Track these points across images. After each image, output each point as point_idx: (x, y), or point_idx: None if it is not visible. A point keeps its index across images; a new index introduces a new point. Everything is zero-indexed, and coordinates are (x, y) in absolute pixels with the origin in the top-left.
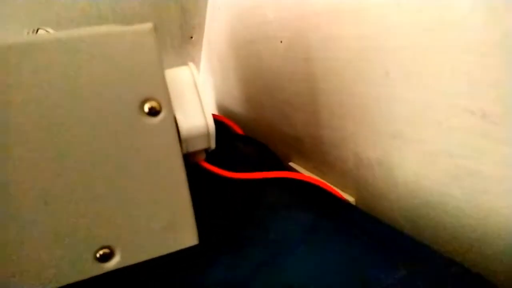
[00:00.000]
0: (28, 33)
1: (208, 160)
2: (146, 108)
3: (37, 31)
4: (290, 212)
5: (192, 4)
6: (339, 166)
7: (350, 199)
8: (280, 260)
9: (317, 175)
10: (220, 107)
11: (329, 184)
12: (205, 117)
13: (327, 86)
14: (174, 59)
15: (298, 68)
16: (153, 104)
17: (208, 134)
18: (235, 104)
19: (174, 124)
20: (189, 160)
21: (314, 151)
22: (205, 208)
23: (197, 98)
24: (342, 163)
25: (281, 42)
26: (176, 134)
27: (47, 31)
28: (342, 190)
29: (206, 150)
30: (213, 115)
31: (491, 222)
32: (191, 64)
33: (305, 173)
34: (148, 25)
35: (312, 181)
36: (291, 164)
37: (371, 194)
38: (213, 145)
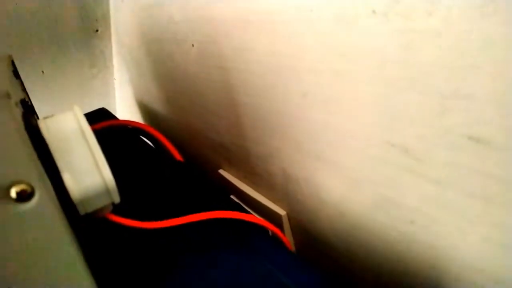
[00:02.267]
0: None
1: (129, 204)
2: (13, 193)
3: None
4: (212, 258)
5: None
6: (268, 179)
7: (282, 212)
8: None
9: (248, 185)
10: (140, 105)
11: (256, 216)
12: (100, 172)
13: (247, 100)
14: (80, 56)
15: (214, 76)
16: (22, 187)
17: (107, 191)
18: (155, 104)
19: (54, 204)
20: (94, 215)
21: (243, 161)
22: (116, 266)
23: (87, 150)
24: (270, 176)
25: (192, 45)
26: (59, 215)
27: None
28: (274, 203)
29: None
30: (141, 124)
31: (416, 253)
32: (76, 108)
33: (235, 182)
34: None
35: (238, 217)
36: (221, 171)
37: (301, 210)
38: (116, 199)
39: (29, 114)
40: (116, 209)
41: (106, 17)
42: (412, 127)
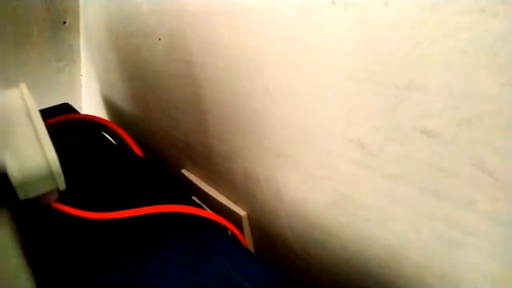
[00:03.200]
0: None
1: (83, 191)
2: None
3: None
4: (162, 251)
5: None
6: (230, 178)
7: (242, 213)
8: None
9: (210, 185)
10: (106, 102)
11: (211, 212)
12: (44, 153)
13: (211, 95)
14: (46, 48)
15: (181, 70)
16: None
17: (51, 174)
18: (121, 100)
19: None
20: (37, 202)
21: (206, 160)
22: (58, 256)
23: (31, 129)
24: (232, 176)
25: (159, 39)
26: None
27: None
28: (235, 203)
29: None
30: (104, 120)
31: (372, 250)
32: (22, 85)
33: (198, 182)
34: None
35: (192, 212)
36: (183, 171)
37: (261, 210)
38: (61, 185)
39: None
40: (66, 199)
41: (75, 9)
42: (368, 120)
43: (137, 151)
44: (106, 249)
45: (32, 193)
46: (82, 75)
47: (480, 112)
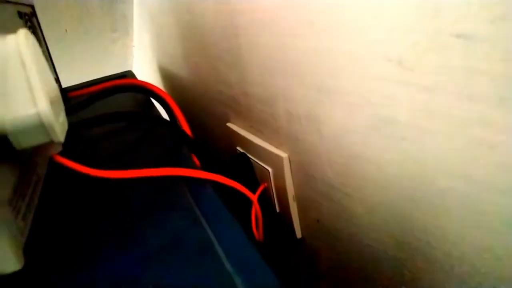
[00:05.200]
0: None
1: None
2: None
3: None
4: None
5: None
6: (272, 123)
7: (283, 155)
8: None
9: (253, 133)
10: (161, 68)
11: (221, 176)
12: (35, 103)
13: (256, 40)
14: (104, 19)
15: (227, 22)
16: None
17: (42, 125)
18: (172, 64)
19: None
20: (36, 153)
21: (249, 109)
22: (59, 213)
23: (23, 79)
24: (274, 120)
25: None
26: None
27: None
28: (277, 147)
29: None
30: (153, 86)
31: (408, 170)
32: (21, 31)
33: (242, 132)
34: None
35: (199, 176)
36: (229, 124)
37: (302, 149)
38: (57, 138)
39: None
40: (78, 155)
41: None
42: (407, 35)
43: (184, 123)
44: (98, 210)
45: (26, 143)
46: (134, 46)
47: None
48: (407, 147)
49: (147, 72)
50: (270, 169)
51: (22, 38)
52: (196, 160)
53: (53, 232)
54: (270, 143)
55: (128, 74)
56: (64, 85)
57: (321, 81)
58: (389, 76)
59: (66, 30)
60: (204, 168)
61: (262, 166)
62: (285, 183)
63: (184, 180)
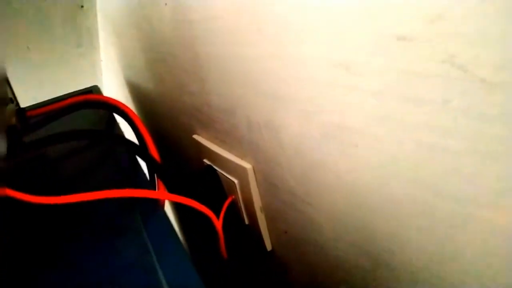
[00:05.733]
0: None
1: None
2: None
3: None
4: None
5: None
6: (235, 133)
7: (248, 166)
8: None
9: (218, 145)
10: (128, 82)
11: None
12: None
13: (211, 50)
14: (66, 33)
15: (185, 32)
16: None
17: None
18: (138, 77)
19: None
20: None
21: (213, 120)
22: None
23: None
24: (236, 130)
25: (165, 4)
26: None
27: None
28: (241, 158)
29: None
30: (116, 101)
31: (363, 178)
32: None
33: (207, 144)
34: None
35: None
36: (195, 136)
37: (264, 159)
38: None
39: None
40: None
41: None
42: (352, 39)
43: (149, 142)
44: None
45: None
46: (102, 61)
47: (450, 3)
48: (361, 154)
49: (116, 87)
50: (236, 181)
51: None
52: (160, 184)
53: None
54: (235, 154)
55: (94, 89)
56: (30, 104)
57: (275, 89)
58: (337, 81)
59: (28, 47)
60: (172, 186)
61: (228, 178)
62: (251, 194)
63: (137, 202)
